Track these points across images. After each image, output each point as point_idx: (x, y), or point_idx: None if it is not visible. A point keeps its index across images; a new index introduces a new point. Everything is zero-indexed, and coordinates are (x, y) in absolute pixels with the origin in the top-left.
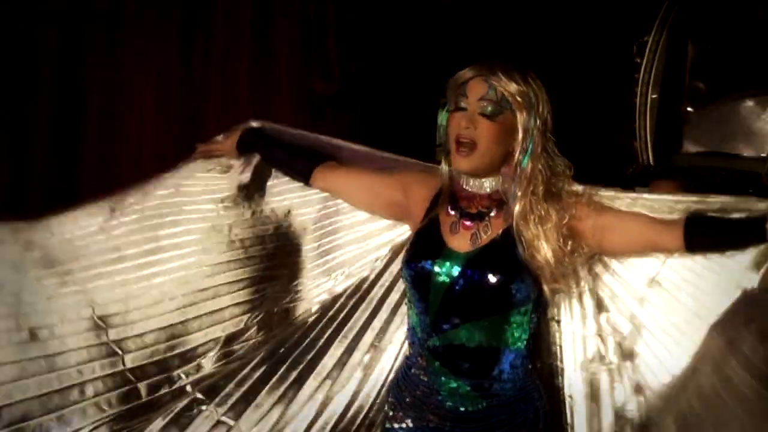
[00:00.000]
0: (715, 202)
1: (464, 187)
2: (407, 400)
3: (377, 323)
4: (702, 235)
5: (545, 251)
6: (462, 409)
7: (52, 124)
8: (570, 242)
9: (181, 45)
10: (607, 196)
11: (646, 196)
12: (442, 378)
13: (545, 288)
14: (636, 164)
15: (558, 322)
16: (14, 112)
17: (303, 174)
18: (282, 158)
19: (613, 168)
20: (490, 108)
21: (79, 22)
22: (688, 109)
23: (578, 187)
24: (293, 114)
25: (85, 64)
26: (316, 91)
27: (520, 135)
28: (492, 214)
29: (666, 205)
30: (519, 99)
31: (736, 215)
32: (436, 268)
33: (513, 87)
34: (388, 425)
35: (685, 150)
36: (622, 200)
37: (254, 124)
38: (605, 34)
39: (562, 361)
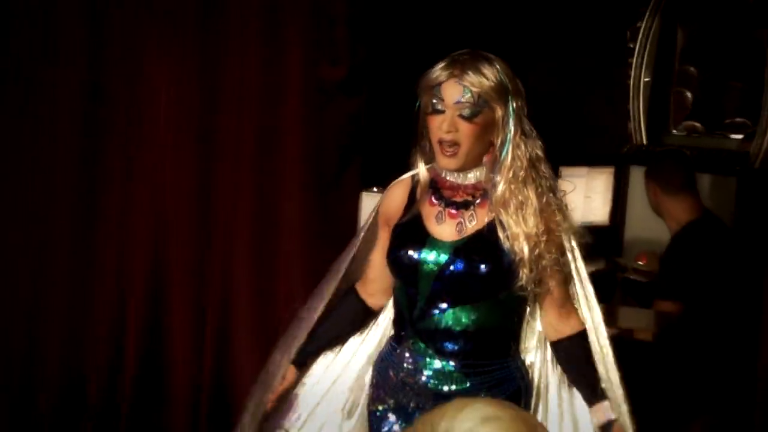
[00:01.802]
0: None
1: (447, 178)
2: (390, 381)
3: None
4: (564, 359)
5: (523, 238)
6: (445, 389)
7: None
8: (545, 236)
9: (198, 34)
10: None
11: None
12: (427, 359)
13: (523, 274)
14: (630, 144)
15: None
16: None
17: (353, 304)
18: (331, 330)
19: (609, 147)
20: (468, 110)
21: (102, 16)
22: (681, 91)
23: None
24: (303, 97)
25: (107, 51)
26: (325, 76)
27: (500, 126)
28: (477, 202)
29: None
30: (493, 94)
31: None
32: (424, 257)
33: (486, 84)
34: (371, 407)
35: (675, 130)
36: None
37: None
38: (600, 20)
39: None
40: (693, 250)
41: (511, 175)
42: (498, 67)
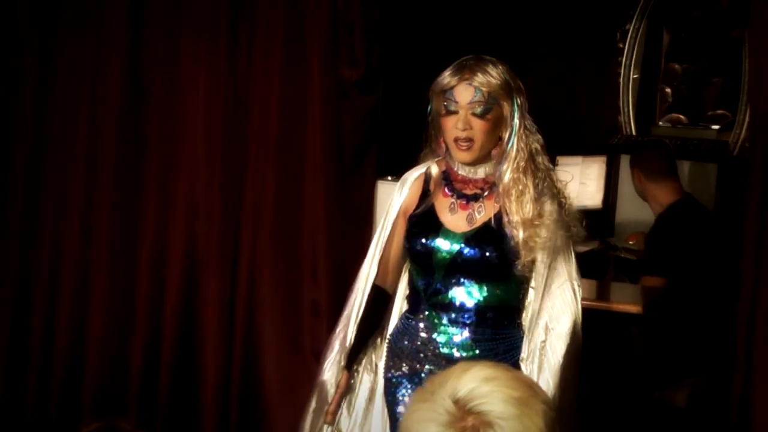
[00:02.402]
0: None
1: (459, 172)
2: (406, 349)
3: None
4: None
5: (520, 225)
6: (456, 355)
7: (120, 111)
8: (538, 220)
9: (230, 39)
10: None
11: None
12: (442, 328)
13: (521, 256)
14: (620, 135)
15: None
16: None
17: (380, 299)
18: (368, 328)
19: (601, 138)
20: (480, 109)
21: (142, 24)
22: (665, 87)
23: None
24: (324, 95)
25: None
26: (343, 76)
27: (507, 122)
28: (485, 194)
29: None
30: (501, 91)
31: None
32: (437, 245)
33: (494, 83)
34: (387, 374)
35: (661, 122)
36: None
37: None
38: (592, 23)
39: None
40: (674, 229)
41: (515, 165)
42: (501, 67)
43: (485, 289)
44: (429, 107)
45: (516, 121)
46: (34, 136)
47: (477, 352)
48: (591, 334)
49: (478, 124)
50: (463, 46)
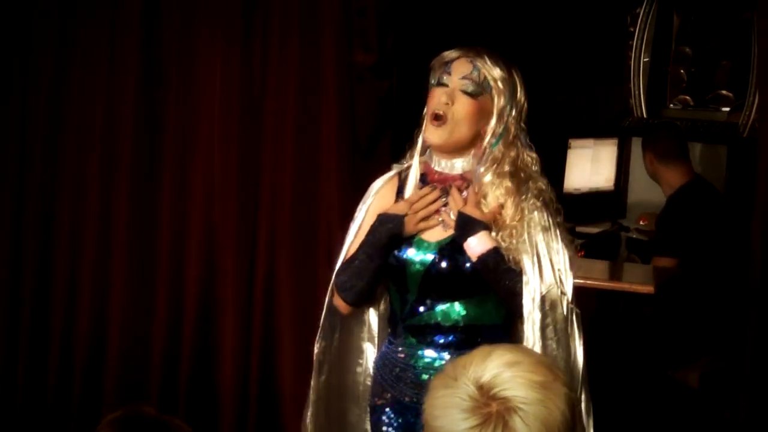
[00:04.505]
0: None
1: (435, 168)
2: (388, 376)
3: None
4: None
5: (497, 231)
6: None
7: (137, 105)
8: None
9: (244, 27)
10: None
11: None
12: (419, 352)
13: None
14: (631, 117)
15: None
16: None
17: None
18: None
19: (613, 121)
20: (471, 87)
21: (159, 9)
22: (678, 69)
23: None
24: (339, 80)
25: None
26: (357, 61)
27: (494, 119)
28: (463, 195)
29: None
30: (500, 85)
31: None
32: (411, 257)
33: (496, 72)
34: (371, 401)
35: (672, 105)
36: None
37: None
38: (604, 7)
39: None
40: (685, 211)
41: (495, 167)
42: (511, 68)
43: (464, 306)
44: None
45: (507, 125)
46: (52, 125)
47: None
48: (603, 314)
49: (462, 102)
50: (478, 30)
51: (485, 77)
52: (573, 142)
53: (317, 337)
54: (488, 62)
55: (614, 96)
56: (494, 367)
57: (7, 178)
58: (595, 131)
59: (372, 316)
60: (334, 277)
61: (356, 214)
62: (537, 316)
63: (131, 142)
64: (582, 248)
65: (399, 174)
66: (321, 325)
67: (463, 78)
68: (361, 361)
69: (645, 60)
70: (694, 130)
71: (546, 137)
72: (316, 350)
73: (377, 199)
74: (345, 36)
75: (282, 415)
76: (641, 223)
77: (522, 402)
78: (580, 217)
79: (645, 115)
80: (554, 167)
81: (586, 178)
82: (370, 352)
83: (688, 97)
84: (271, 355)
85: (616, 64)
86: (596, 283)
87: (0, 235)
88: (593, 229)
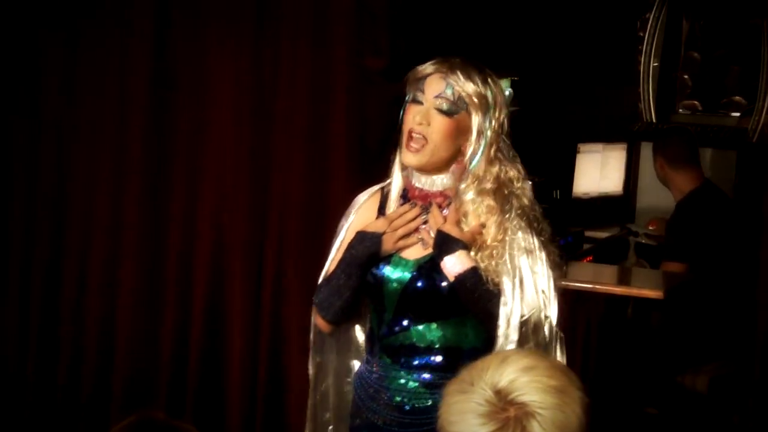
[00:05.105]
0: None
1: (416, 185)
2: (364, 396)
3: None
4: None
5: (477, 250)
6: (407, 406)
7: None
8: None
9: (255, 29)
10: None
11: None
12: (393, 373)
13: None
14: (641, 122)
15: None
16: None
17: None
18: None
19: (622, 125)
20: (445, 106)
21: (169, 11)
22: (684, 75)
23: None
24: (349, 83)
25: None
26: (368, 65)
27: (474, 135)
28: (444, 212)
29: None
30: (476, 100)
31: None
32: (388, 275)
33: (470, 87)
34: (350, 422)
35: (681, 110)
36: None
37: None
38: (613, 12)
39: None
40: (694, 216)
41: (476, 185)
42: (487, 78)
43: (441, 327)
44: (407, 97)
45: (487, 141)
46: (63, 127)
47: (429, 403)
48: (612, 319)
49: (438, 123)
50: (487, 35)
51: (459, 95)
52: (582, 147)
53: (310, 355)
54: (461, 78)
55: (623, 100)
56: (511, 372)
57: (18, 181)
58: (604, 136)
59: (359, 334)
60: (314, 295)
61: (338, 230)
62: (513, 337)
63: (142, 146)
64: (590, 253)
65: (382, 189)
66: (312, 341)
67: (437, 97)
68: (349, 380)
69: (654, 65)
70: (704, 135)
71: (555, 142)
72: (310, 370)
73: (359, 215)
74: (356, 40)
75: (289, 419)
76: (650, 227)
77: (539, 407)
78: (588, 222)
79: (654, 120)
80: (563, 171)
81: (595, 183)
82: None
83: (696, 102)
84: (279, 359)
85: (626, 69)
86: (605, 288)
87: (11, 238)
88: (602, 234)
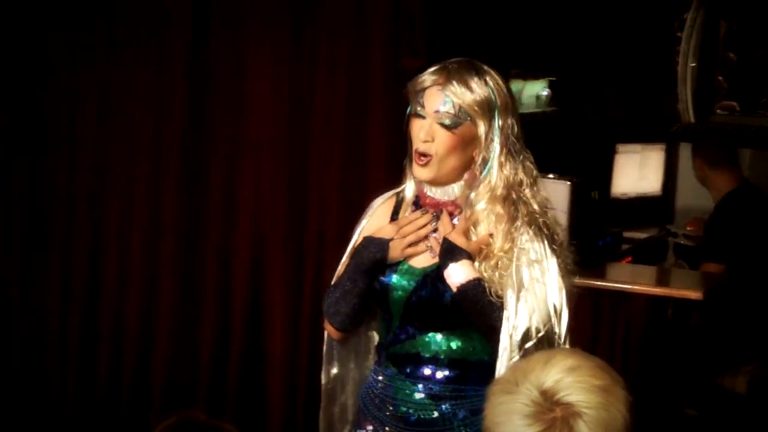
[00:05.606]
0: None
1: (427, 194)
2: (370, 406)
3: None
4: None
5: (484, 260)
6: (413, 418)
7: (186, 105)
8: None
9: (292, 29)
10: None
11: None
12: (398, 383)
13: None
14: (679, 123)
15: None
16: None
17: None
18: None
19: (661, 126)
20: (447, 120)
21: (208, 14)
22: (719, 77)
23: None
24: (385, 84)
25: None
26: (405, 66)
27: (482, 143)
28: (454, 221)
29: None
30: (477, 108)
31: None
32: (394, 283)
33: (469, 97)
34: (353, 431)
35: (719, 110)
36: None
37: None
38: (652, 13)
39: None
40: (733, 216)
41: (489, 194)
42: (489, 81)
43: (446, 338)
44: (409, 108)
45: (495, 146)
46: (100, 130)
47: (435, 415)
48: (651, 320)
49: (443, 137)
50: (524, 36)
51: (460, 107)
52: (620, 147)
53: (323, 366)
54: (459, 88)
55: (662, 101)
56: (556, 373)
57: (56, 183)
58: (643, 136)
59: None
60: (323, 301)
61: (353, 234)
62: (516, 352)
63: (179, 146)
64: (629, 254)
65: (397, 194)
66: (324, 351)
67: (437, 112)
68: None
69: (692, 65)
70: (743, 135)
71: (593, 142)
72: (323, 380)
73: (372, 219)
74: (393, 41)
75: None
76: (688, 228)
77: (585, 407)
78: (627, 222)
79: (693, 121)
80: (601, 172)
81: (634, 183)
82: None
83: (734, 103)
84: (319, 359)
85: (664, 70)
86: (644, 288)
87: (50, 239)
88: (640, 235)
